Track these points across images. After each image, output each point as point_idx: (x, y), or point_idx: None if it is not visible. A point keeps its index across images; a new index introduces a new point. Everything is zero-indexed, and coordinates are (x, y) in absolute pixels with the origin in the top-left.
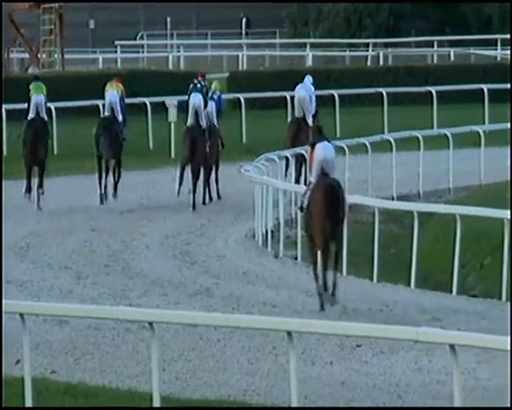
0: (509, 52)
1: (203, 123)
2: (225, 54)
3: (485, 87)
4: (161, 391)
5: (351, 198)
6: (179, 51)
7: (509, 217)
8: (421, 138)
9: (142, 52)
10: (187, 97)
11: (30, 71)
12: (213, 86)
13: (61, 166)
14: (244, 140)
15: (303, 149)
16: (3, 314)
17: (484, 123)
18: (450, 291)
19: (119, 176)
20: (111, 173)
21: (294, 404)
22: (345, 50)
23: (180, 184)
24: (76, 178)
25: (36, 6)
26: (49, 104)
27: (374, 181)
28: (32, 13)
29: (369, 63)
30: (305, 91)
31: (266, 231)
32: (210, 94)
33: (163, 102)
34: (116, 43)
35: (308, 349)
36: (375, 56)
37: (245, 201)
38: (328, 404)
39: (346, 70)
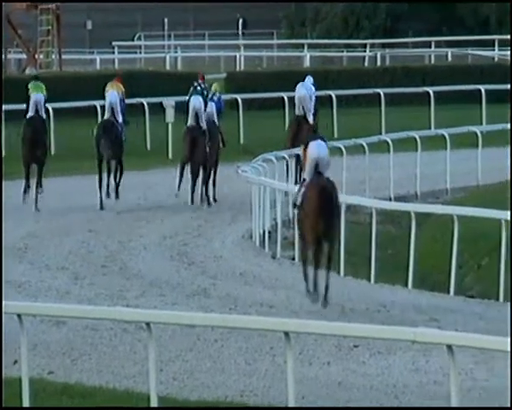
0: (506, 52)
1: (203, 125)
2: (223, 55)
3: (482, 88)
4: (158, 392)
5: (348, 199)
6: (176, 52)
7: (506, 218)
8: (418, 139)
9: (140, 53)
10: (187, 100)
11: (27, 72)
12: (213, 88)
13: (59, 167)
14: (241, 141)
15: None
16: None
17: (481, 124)
18: (448, 292)
19: (121, 176)
20: (112, 175)
21: (292, 404)
22: (342, 51)
23: (180, 180)
24: (73, 179)
25: (33, 7)
26: (46, 105)
27: (371, 182)
28: (30, 13)
29: (366, 64)
30: (305, 90)
31: (264, 232)
32: (210, 95)
33: (160, 103)
34: (113, 43)
35: (305, 350)
36: (373, 57)
37: (242, 201)
38: (326, 404)
39: (344, 71)
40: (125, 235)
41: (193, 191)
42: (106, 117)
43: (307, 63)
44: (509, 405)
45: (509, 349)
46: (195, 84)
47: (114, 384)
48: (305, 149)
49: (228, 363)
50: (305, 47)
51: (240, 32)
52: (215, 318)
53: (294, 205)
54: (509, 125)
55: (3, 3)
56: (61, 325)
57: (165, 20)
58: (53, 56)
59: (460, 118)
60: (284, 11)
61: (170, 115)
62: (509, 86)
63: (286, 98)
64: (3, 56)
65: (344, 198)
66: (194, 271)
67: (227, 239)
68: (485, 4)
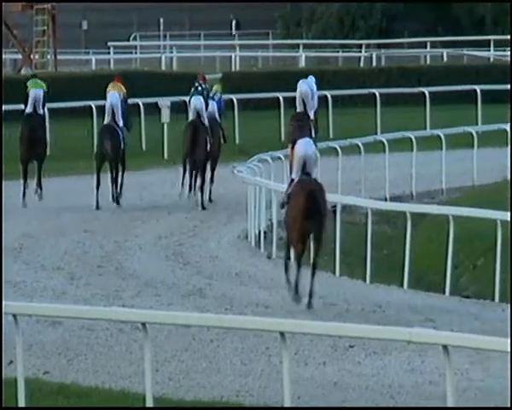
0: (502, 53)
1: (205, 122)
2: (218, 55)
3: (478, 88)
4: (154, 392)
5: (344, 199)
6: (172, 52)
7: (501, 218)
8: (414, 139)
9: (135, 53)
10: (188, 100)
11: (23, 72)
12: (214, 89)
13: (54, 167)
14: (237, 141)
15: None
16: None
17: (477, 124)
18: (443, 292)
19: (122, 183)
20: (112, 179)
21: (287, 405)
22: (338, 51)
23: (184, 177)
24: (69, 179)
25: (29, 7)
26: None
27: (367, 182)
28: (25, 14)
29: (362, 64)
30: (307, 85)
31: (259, 232)
32: (211, 96)
33: (156, 103)
34: (109, 44)
35: (301, 350)
36: (368, 57)
37: (238, 202)
38: (321, 405)
39: (339, 71)
40: (121, 235)
41: (190, 184)
42: (106, 121)
43: (303, 63)
44: (504, 405)
45: (504, 349)
46: (196, 84)
47: (110, 384)
48: (292, 148)
49: (223, 363)
50: (301, 47)
51: (233, 33)
52: (211, 318)
53: (282, 205)
54: (504, 126)
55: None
56: (57, 326)
57: (161, 20)
58: (48, 57)
59: (455, 118)
60: (279, 11)
61: (165, 115)
62: (504, 86)
63: (281, 98)
64: None
65: (339, 198)
66: (189, 271)
67: (222, 239)
68: (481, 4)
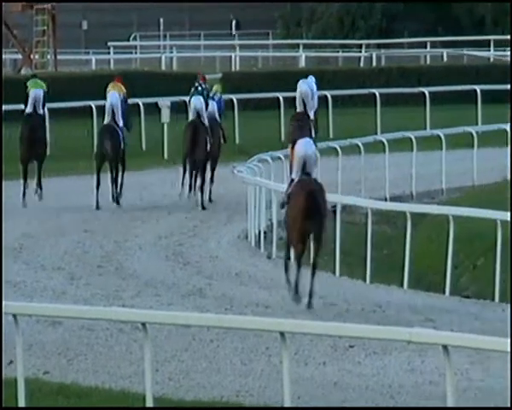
0: (502, 53)
1: (205, 121)
2: (218, 55)
3: (478, 88)
4: (154, 392)
5: (344, 199)
6: (172, 52)
7: (501, 218)
8: (414, 139)
9: (135, 53)
10: (188, 100)
11: (23, 72)
12: (214, 89)
13: (54, 167)
14: (237, 141)
15: None
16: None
17: (477, 124)
18: (443, 292)
19: (122, 184)
20: (111, 180)
21: (287, 405)
22: (338, 51)
23: (184, 177)
24: (69, 179)
25: (29, 7)
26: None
27: (367, 182)
28: (25, 14)
29: (362, 64)
30: (307, 85)
31: (259, 232)
32: (211, 96)
33: (156, 103)
34: (109, 44)
35: (301, 350)
36: (368, 57)
37: (238, 202)
38: (321, 405)
39: (339, 71)
40: (121, 235)
41: (190, 184)
42: (106, 121)
43: (303, 63)
44: (504, 405)
45: (504, 349)
46: (196, 84)
47: (110, 384)
48: (292, 148)
49: (223, 363)
50: (301, 47)
51: (233, 33)
52: (211, 318)
53: (282, 205)
54: (504, 126)
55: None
56: (57, 325)
57: (161, 20)
58: (48, 57)
59: (455, 118)
60: (280, 11)
61: (165, 115)
62: (504, 86)
63: (281, 98)
64: None
65: (339, 198)
66: (189, 271)
67: (222, 239)
68: (481, 4)
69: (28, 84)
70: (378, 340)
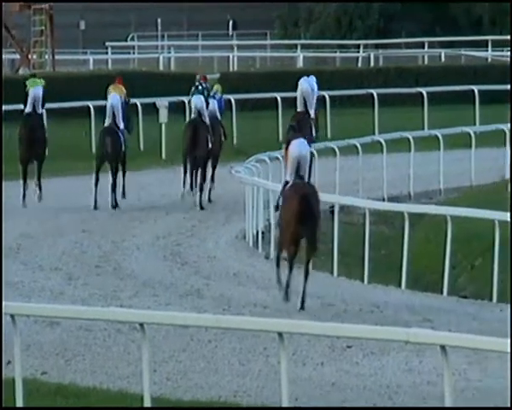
0: (499, 53)
1: (206, 120)
2: (216, 55)
3: (475, 88)
4: (152, 392)
5: (342, 199)
6: (170, 52)
7: (499, 218)
8: (411, 139)
9: (133, 53)
10: (188, 100)
11: (21, 72)
12: (215, 88)
13: (52, 168)
14: (235, 141)
15: None
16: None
17: (475, 124)
18: (441, 292)
19: (124, 178)
20: (115, 175)
21: (285, 405)
22: (335, 52)
23: (185, 177)
24: (67, 179)
25: (26, 7)
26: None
27: (364, 182)
28: (23, 14)
29: (359, 64)
30: (308, 84)
31: (257, 232)
32: (211, 94)
33: (154, 103)
34: (107, 44)
35: (299, 350)
36: (366, 57)
37: (236, 202)
38: (319, 405)
39: (337, 71)
40: (119, 235)
41: (191, 182)
42: (107, 123)
43: (300, 64)
44: (502, 405)
45: (502, 349)
46: (197, 83)
47: (108, 385)
48: (286, 148)
49: (221, 363)
50: (299, 47)
51: (230, 34)
52: (208, 318)
53: (276, 208)
54: (502, 126)
55: None
56: (55, 326)
57: (159, 20)
58: (46, 57)
59: (453, 118)
60: (277, 11)
61: (163, 116)
62: (502, 87)
63: (279, 99)
64: None
65: (337, 199)
66: (187, 271)
67: (220, 239)
68: (478, 4)
69: (27, 83)
70: (376, 340)
